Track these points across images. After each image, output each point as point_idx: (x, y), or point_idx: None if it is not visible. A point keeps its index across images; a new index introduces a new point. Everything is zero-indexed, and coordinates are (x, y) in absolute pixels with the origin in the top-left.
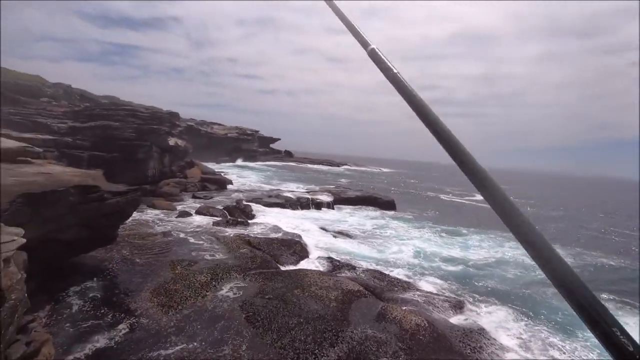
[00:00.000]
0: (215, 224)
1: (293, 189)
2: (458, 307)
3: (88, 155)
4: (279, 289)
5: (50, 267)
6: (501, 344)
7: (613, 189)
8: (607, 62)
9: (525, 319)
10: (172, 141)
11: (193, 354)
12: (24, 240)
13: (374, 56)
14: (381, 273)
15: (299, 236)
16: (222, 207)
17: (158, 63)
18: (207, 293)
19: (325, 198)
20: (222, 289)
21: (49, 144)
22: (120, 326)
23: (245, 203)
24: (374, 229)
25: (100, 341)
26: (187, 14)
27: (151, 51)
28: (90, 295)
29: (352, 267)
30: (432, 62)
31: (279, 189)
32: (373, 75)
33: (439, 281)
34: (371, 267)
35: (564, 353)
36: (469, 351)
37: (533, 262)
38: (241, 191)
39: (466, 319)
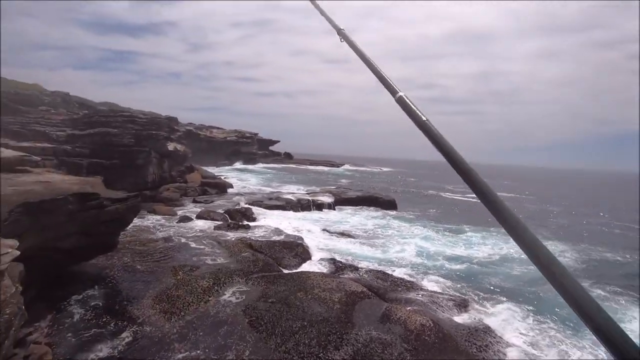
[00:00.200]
0: (217, 228)
1: (294, 190)
2: (463, 305)
3: (87, 162)
4: (281, 292)
5: (50, 275)
6: (507, 342)
7: (615, 182)
8: (605, 57)
9: (532, 316)
10: (171, 146)
11: None
12: (18, 253)
13: (402, 103)
14: (384, 273)
15: (301, 238)
16: (223, 211)
17: (155, 68)
18: (210, 298)
19: (326, 199)
20: (225, 294)
21: (47, 152)
22: (124, 334)
23: (246, 206)
24: (375, 229)
25: (104, 350)
26: (183, 18)
27: (148, 56)
28: (92, 303)
29: (355, 268)
30: (430, 62)
31: (279, 191)
32: (372, 75)
33: (442, 280)
34: (374, 268)
35: (572, 350)
36: (475, 350)
37: None
38: (242, 194)
39: (471, 318)
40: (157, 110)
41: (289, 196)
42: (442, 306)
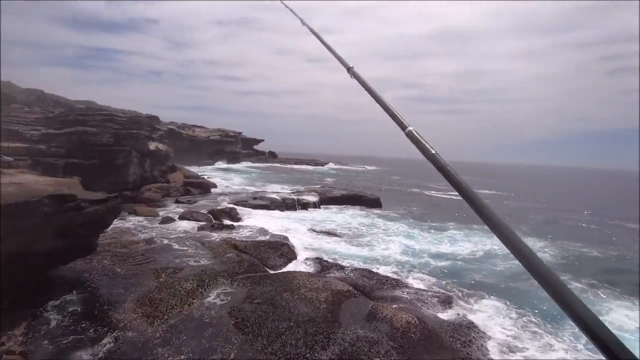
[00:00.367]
0: (200, 228)
1: (278, 190)
2: (447, 302)
3: (63, 162)
4: (267, 292)
5: (26, 281)
6: (490, 336)
7: (594, 179)
8: (580, 57)
9: (514, 311)
10: (152, 145)
11: None
12: None
13: (412, 137)
14: (370, 271)
15: (286, 238)
16: (206, 212)
17: (135, 66)
18: (194, 301)
19: (311, 198)
20: (209, 296)
21: (21, 152)
22: (104, 340)
23: (230, 206)
24: (360, 227)
25: (83, 357)
26: (163, 16)
27: (127, 54)
28: (70, 309)
29: (341, 267)
30: (413, 61)
31: (264, 191)
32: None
33: (427, 277)
34: (360, 266)
35: (553, 342)
36: (459, 346)
37: None
38: (226, 194)
39: (456, 314)
40: (138, 109)
41: (274, 195)
42: (427, 303)
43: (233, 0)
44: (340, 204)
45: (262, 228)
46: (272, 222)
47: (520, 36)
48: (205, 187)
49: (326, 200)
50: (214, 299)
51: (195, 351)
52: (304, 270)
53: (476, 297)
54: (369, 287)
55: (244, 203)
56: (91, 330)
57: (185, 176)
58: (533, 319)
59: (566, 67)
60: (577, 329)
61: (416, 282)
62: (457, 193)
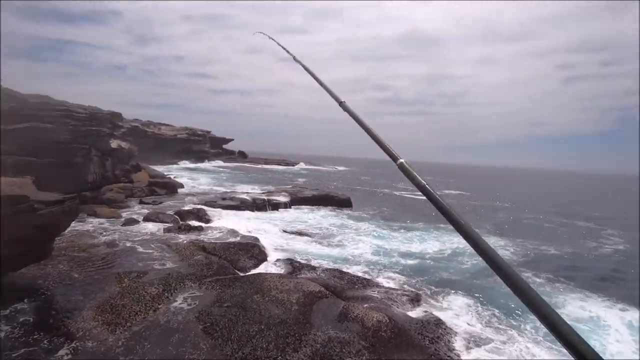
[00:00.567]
0: (167, 230)
1: (248, 190)
2: (416, 300)
3: (14, 160)
4: (237, 295)
5: None
6: (457, 332)
7: (549, 179)
8: (540, 65)
9: (479, 307)
10: (114, 143)
11: None
12: None
13: (404, 169)
14: (341, 272)
15: (257, 239)
16: (173, 213)
17: (97, 60)
18: (159, 306)
19: (282, 198)
20: (176, 300)
21: None
22: (61, 352)
23: (198, 207)
24: (332, 227)
25: None
26: (127, 8)
27: (89, 47)
28: (21, 319)
29: (312, 268)
30: (383, 63)
31: (233, 191)
32: (329, 74)
33: (397, 276)
34: (331, 266)
35: (516, 336)
36: (427, 342)
37: None
38: (193, 194)
39: (424, 312)
40: (100, 105)
41: (244, 196)
42: (397, 302)
43: None
44: (312, 205)
45: (232, 229)
46: (242, 223)
47: (484, 43)
48: (171, 187)
49: (297, 200)
50: (181, 303)
51: (161, 359)
52: (275, 271)
53: (443, 294)
54: (340, 287)
55: (212, 204)
56: (45, 342)
57: (150, 176)
58: (497, 314)
59: (525, 74)
60: (538, 323)
61: (386, 281)
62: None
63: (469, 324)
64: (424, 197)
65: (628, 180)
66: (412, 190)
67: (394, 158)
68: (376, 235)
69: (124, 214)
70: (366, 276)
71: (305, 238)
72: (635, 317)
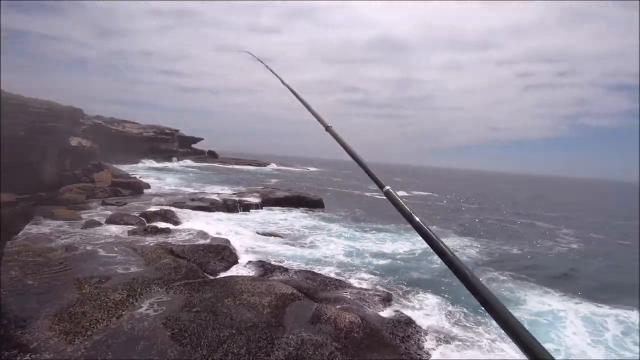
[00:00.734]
0: (131, 233)
1: (219, 191)
2: (387, 300)
3: None
4: (207, 299)
5: None
6: (426, 330)
7: (510, 182)
8: (502, 72)
9: (448, 305)
10: (74, 141)
11: None
12: None
13: (390, 196)
14: (313, 273)
15: (227, 241)
16: (138, 214)
17: (57, 52)
18: (123, 312)
19: (253, 199)
20: (142, 306)
21: None
22: None
23: (165, 208)
24: (304, 228)
25: None
26: None
27: (47, 38)
28: None
29: (285, 270)
30: (353, 65)
31: (203, 192)
32: (302, 75)
33: (369, 276)
34: (303, 268)
35: (482, 333)
36: (398, 342)
37: (454, 251)
38: (160, 195)
39: (395, 311)
40: (60, 101)
41: (214, 197)
42: (369, 302)
43: None
44: (283, 206)
45: (201, 231)
46: (212, 225)
47: (450, 50)
48: (137, 188)
49: (269, 201)
50: (147, 309)
51: None
52: (247, 274)
53: (414, 293)
54: (312, 288)
55: (181, 205)
56: None
57: (114, 175)
58: (465, 312)
59: (487, 81)
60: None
61: (359, 281)
62: (399, 196)
63: (438, 322)
64: (404, 200)
65: (580, 183)
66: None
67: (380, 185)
68: (348, 236)
69: (84, 216)
70: (339, 277)
71: (277, 239)
72: (587, 310)
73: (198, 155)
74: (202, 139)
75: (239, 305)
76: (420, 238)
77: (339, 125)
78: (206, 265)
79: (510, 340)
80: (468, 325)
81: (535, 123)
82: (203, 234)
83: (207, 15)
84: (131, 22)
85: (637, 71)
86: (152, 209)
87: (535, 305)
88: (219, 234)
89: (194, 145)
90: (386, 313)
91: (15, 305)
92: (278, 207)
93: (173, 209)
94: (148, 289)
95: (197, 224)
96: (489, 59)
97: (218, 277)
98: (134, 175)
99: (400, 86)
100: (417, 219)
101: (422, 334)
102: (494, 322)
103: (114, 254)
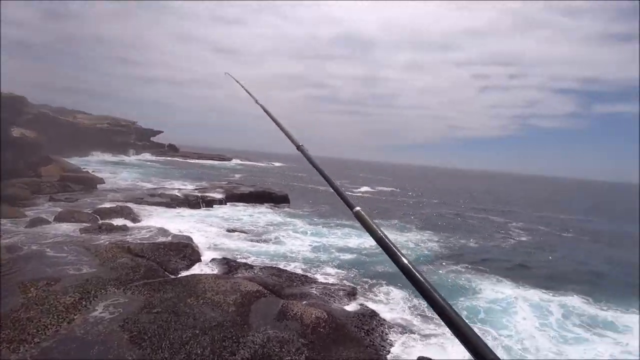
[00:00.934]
0: (84, 231)
1: (180, 186)
2: (352, 294)
3: None
4: (169, 299)
5: None
6: (390, 323)
7: (468, 179)
8: (460, 73)
9: (412, 298)
10: (16, 132)
11: None
12: None
13: (360, 218)
14: (279, 269)
15: (190, 238)
16: (91, 211)
17: None
18: (75, 316)
19: (217, 195)
20: (96, 309)
21: None
22: None
23: (122, 204)
24: (269, 224)
25: None
26: None
27: None
28: None
29: (250, 266)
30: (320, 61)
31: (163, 187)
32: (269, 69)
33: (335, 271)
34: (269, 264)
35: (443, 324)
36: (363, 334)
37: (416, 245)
38: (116, 191)
39: (360, 305)
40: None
41: (175, 192)
42: (335, 297)
43: None
44: (248, 201)
45: (162, 228)
46: (173, 222)
47: (413, 50)
48: (89, 183)
49: (233, 197)
50: (102, 312)
51: None
52: (210, 272)
53: (378, 287)
54: (278, 285)
55: (139, 201)
56: None
57: (64, 169)
58: (426, 304)
59: (446, 82)
60: (464, 314)
61: (325, 277)
62: (362, 191)
63: (401, 315)
64: (368, 195)
65: (528, 180)
66: (348, 188)
67: (351, 206)
68: (314, 231)
69: (29, 213)
70: (305, 273)
71: (242, 236)
72: (535, 297)
73: (157, 149)
74: (162, 132)
75: (203, 304)
76: (387, 234)
77: (308, 121)
78: (167, 263)
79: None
80: (430, 316)
81: (489, 122)
82: (163, 232)
83: (166, 2)
84: (82, 5)
85: (580, 77)
86: (107, 205)
87: (490, 293)
88: (181, 231)
89: (153, 139)
90: (351, 307)
91: None
92: (242, 203)
93: (130, 205)
94: (103, 291)
95: (157, 221)
96: (449, 60)
97: (180, 276)
98: (86, 170)
99: (365, 83)
100: (389, 242)
101: (386, 327)
102: (465, 313)
103: (64, 254)
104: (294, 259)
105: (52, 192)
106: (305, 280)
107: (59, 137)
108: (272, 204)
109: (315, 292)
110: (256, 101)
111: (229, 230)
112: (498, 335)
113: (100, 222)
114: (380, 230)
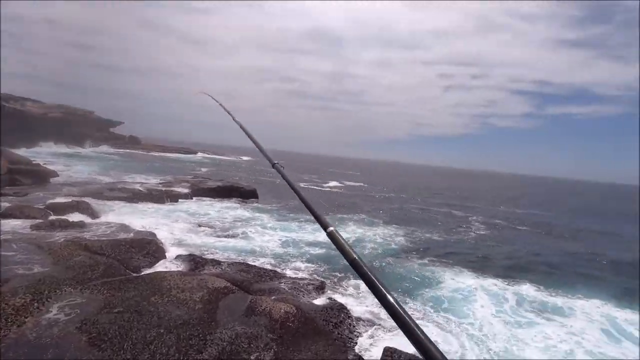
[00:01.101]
0: (35, 227)
1: (142, 180)
2: (321, 288)
3: None
4: (131, 298)
5: None
6: (357, 316)
7: (433, 174)
8: (426, 72)
9: None
10: None
11: None
12: None
13: (333, 238)
14: (247, 265)
15: (153, 234)
16: (44, 206)
17: None
18: (27, 319)
19: (182, 189)
20: (50, 311)
21: None
22: None
23: (79, 199)
24: (237, 219)
25: None
26: None
27: None
28: None
29: (217, 262)
30: (289, 55)
31: (124, 181)
32: (238, 61)
33: (304, 266)
34: (237, 260)
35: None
36: (331, 327)
37: (383, 240)
38: (72, 185)
39: (328, 298)
40: None
41: (137, 186)
42: (304, 291)
43: None
44: (215, 196)
45: (123, 224)
46: (136, 217)
47: (382, 48)
48: (41, 176)
49: (199, 191)
50: (56, 313)
51: None
52: (176, 269)
53: (347, 280)
54: (247, 281)
55: (97, 195)
56: None
57: (11, 161)
58: (395, 293)
59: (413, 80)
60: (428, 305)
61: (294, 271)
62: (331, 186)
63: (369, 308)
64: (336, 190)
65: (487, 176)
66: (317, 183)
67: (324, 226)
68: (284, 226)
69: None
70: (274, 268)
71: (209, 231)
72: (492, 286)
73: (117, 140)
74: (123, 123)
75: (168, 302)
76: (354, 228)
77: (277, 116)
78: (129, 261)
79: (434, 321)
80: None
81: (453, 120)
82: (125, 228)
83: None
84: None
85: (536, 79)
86: (62, 200)
87: (452, 283)
88: (144, 227)
89: (112, 130)
90: (320, 301)
91: None
92: (209, 198)
93: (88, 200)
94: (58, 291)
95: (118, 217)
96: (416, 58)
97: (143, 273)
98: (36, 162)
99: (335, 79)
100: (363, 264)
101: (354, 319)
102: (418, 305)
103: (13, 252)
104: (263, 254)
105: None
106: (275, 275)
107: (6, 127)
108: (240, 199)
109: (284, 287)
110: (233, 118)
111: (195, 226)
112: (460, 322)
113: (54, 217)
114: (354, 252)
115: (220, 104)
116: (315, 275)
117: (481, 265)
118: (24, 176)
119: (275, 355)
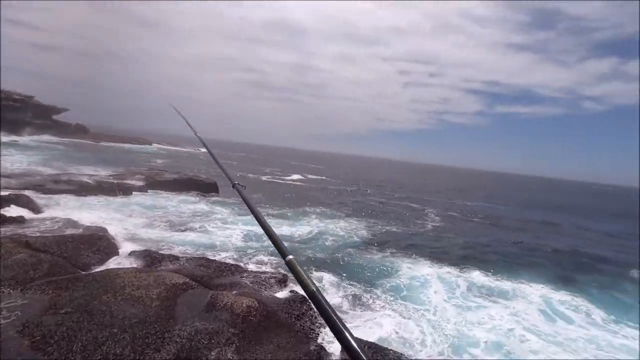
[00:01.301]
0: None
1: (91, 172)
2: (283, 281)
3: None
4: (79, 298)
5: None
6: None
7: (394, 168)
8: (386, 68)
9: (343, 281)
10: None
11: None
12: None
13: (292, 267)
14: (207, 259)
15: (104, 229)
16: None
17: None
18: None
19: (136, 182)
20: None
21: None
22: None
23: (17, 192)
24: (196, 213)
25: None
26: None
27: None
28: None
29: (175, 258)
30: (251, 45)
31: (70, 172)
32: (199, 48)
33: (267, 259)
34: (196, 255)
35: (373, 304)
36: (293, 320)
37: (345, 232)
38: (9, 176)
39: (290, 291)
40: None
41: (85, 178)
42: (266, 284)
43: None
44: (172, 189)
45: (70, 219)
46: (85, 211)
47: (344, 42)
48: None
49: (155, 184)
50: None
51: None
52: (130, 265)
53: (309, 272)
54: (207, 276)
55: (39, 188)
56: None
57: None
58: (357, 284)
59: (374, 75)
60: (389, 295)
61: (256, 265)
62: (294, 179)
63: (331, 299)
64: (299, 183)
65: (442, 170)
66: (279, 176)
67: (283, 254)
68: (245, 220)
69: None
70: (235, 262)
71: (166, 225)
72: (445, 274)
73: (61, 129)
74: (68, 110)
75: (121, 300)
76: (318, 222)
77: (239, 106)
78: (77, 258)
79: (398, 317)
80: (359, 300)
81: (410, 116)
82: (72, 223)
83: None
84: None
85: (486, 79)
86: None
87: (409, 271)
88: (94, 222)
89: (55, 117)
90: (282, 294)
91: None
92: (166, 191)
93: (28, 193)
94: None
95: (64, 211)
96: (377, 54)
97: (94, 271)
98: None
99: (297, 71)
100: (321, 298)
101: (316, 311)
102: (381, 295)
103: None
104: (224, 249)
105: None
106: (236, 269)
107: None
108: (199, 192)
109: (246, 281)
110: (195, 133)
111: (150, 220)
112: (417, 309)
113: None
114: (313, 284)
115: (184, 118)
116: (279, 269)
117: (436, 255)
118: None
119: (236, 350)
